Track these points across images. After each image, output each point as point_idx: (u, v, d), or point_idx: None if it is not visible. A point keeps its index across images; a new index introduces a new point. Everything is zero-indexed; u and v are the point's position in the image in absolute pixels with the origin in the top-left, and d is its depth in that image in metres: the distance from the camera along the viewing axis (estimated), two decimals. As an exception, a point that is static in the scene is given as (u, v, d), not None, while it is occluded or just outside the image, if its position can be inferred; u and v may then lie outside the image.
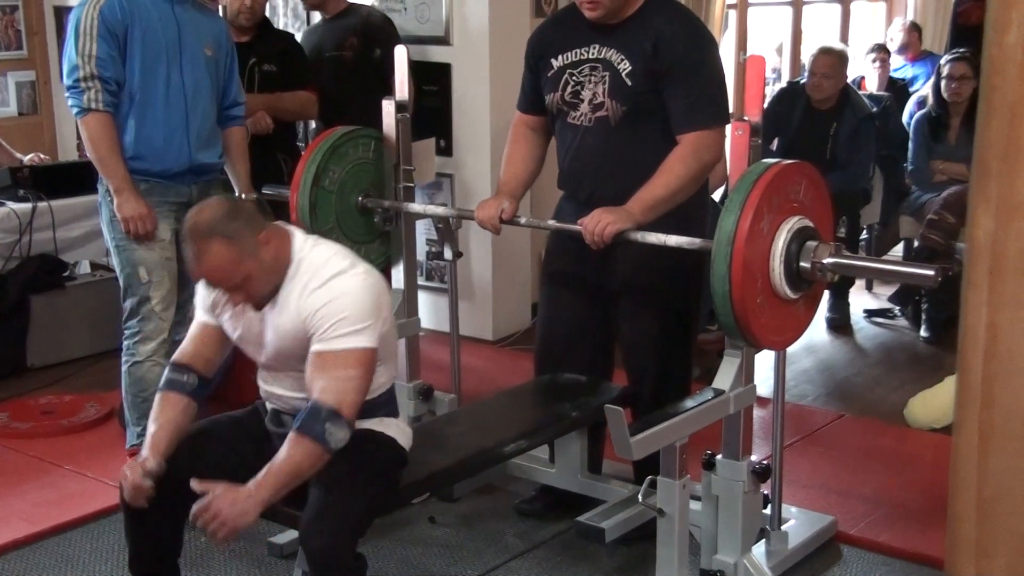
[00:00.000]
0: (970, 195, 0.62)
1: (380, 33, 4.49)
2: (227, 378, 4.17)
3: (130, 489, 2.46)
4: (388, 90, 3.57)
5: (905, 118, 5.87)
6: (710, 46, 3.07)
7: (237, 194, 3.72)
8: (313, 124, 5.09)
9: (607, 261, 3.06)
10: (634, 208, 2.89)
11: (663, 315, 3.13)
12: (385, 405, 2.65)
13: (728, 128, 2.93)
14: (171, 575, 2.68)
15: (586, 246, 2.92)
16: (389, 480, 2.57)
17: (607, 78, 3.00)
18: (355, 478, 2.43)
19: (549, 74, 3.13)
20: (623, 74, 2.98)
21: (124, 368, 3.55)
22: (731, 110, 3.29)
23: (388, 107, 3.49)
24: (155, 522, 2.54)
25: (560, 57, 3.09)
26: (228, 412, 2.80)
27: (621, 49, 2.99)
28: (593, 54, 3.04)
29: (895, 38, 7.14)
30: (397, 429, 2.64)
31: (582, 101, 3.06)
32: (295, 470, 2.38)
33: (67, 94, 3.37)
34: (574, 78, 3.07)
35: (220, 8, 4.18)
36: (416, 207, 3.48)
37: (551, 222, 3.26)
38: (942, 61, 5.63)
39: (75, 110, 3.37)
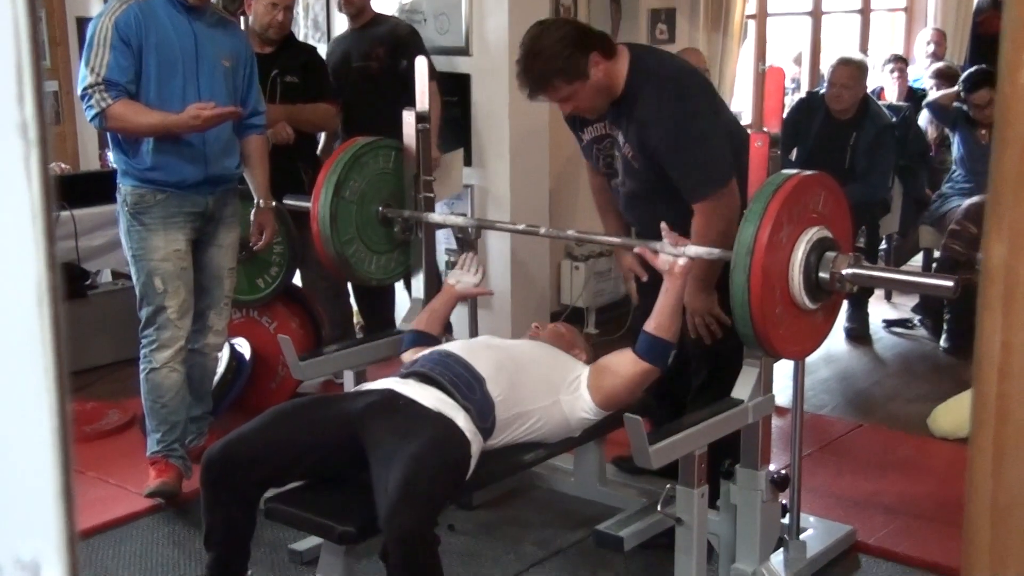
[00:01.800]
0: (984, 222, 0.64)
1: (407, 44, 4.52)
2: (247, 387, 4.22)
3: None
4: (413, 101, 3.60)
5: (922, 122, 5.85)
6: (692, 111, 2.96)
7: (256, 202, 3.75)
8: (324, 136, 5.13)
9: None
10: (697, 285, 2.95)
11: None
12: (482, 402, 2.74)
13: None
14: (241, 556, 2.74)
15: None
16: (458, 474, 2.63)
17: (620, 157, 3.07)
18: (435, 465, 2.50)
19: (583, 144, 3.20)
20: (628, 156, 3.03)
21: (142, 375, 3.57)
22: (751, 120, 3.29)
23: (408, 118, 3.51)
24: (228, 503, 2.62)
25: (587, 131, 3.15)
26: (301, 398, 2.89)
27: (621, 131, 3.03)
28: (606, 130, 3.09)
29: (927, 46, 7.07)
30: (473, 434, 2.70)
31: (616, 171, 3.13)
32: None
33: (84, 107, 3.39)
34: (603, 152, 3.14)
35: (242, 20, 4.22)
36: (436, 217, 3.50)
37: (570, 232, 3.28)
38: (963, 82, 5.59)
39: (92, 119, 3.37)
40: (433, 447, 2.54)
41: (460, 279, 3.33)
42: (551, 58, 2.85)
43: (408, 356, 3.12)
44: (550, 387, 2.87)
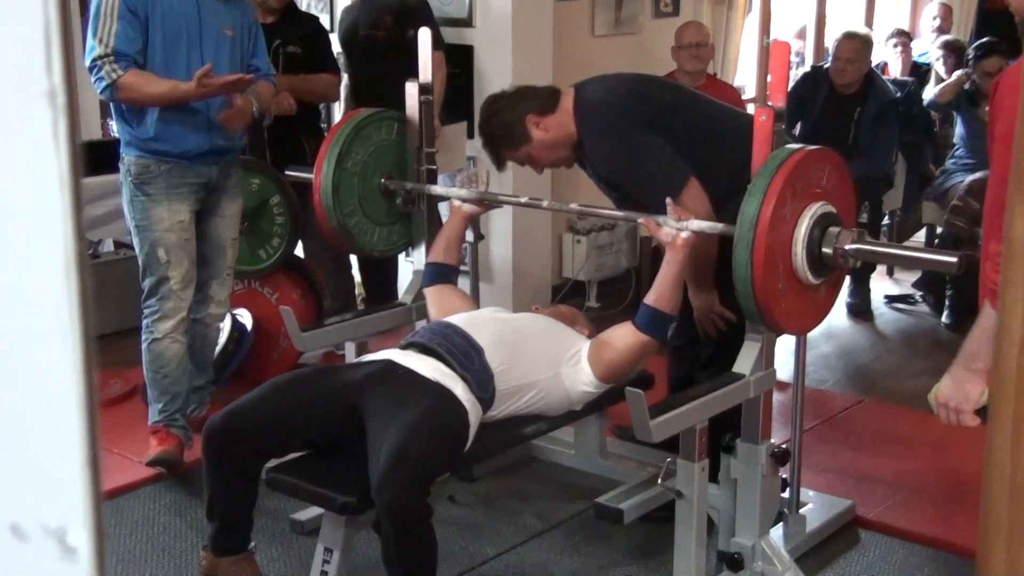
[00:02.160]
0: (1008, 195, 0.64)
1: (414, 14, 4.49)
2: (248, 358, 4.22)
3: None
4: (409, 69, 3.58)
5: (927, 98, 5.83)
6: (616, 139, 3.01)
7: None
8: (337, 106, 5.11)
9: None
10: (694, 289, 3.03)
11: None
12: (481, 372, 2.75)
13: (751, 109, 2.93)
14: (244, 525, 2.76)
15: None
16: (456, 444, 2.64)
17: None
18: (430, 434, 2.51)
19: None
20: (600, 185, 3.17)
21: (144, 345, 3.57)
22: (755, 94, 3.27)
23: (411, 89, 3.50)
24: (229, 472, 2.64)
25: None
26: (301, 369, 3.01)
27: (587, 169, 3.19)
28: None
29: (933, 20, 7.02)
30: (472, 404, 2.70)
31: None
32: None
33: (92, 80, 3.37)
34: None
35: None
36: (438, 189, 3.49)
37: (573, 205, 3.28)
38: (971, 53, 5.57)
39: (102, 91, 3.36)
40: (427, 416, 2.54)
41: (460, 198, 3.31)
42: (493, 132, 3.13)
43: (430, 291, 3.19)
44: (551, 360, 2.88)
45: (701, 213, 2.85)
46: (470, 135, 4.97)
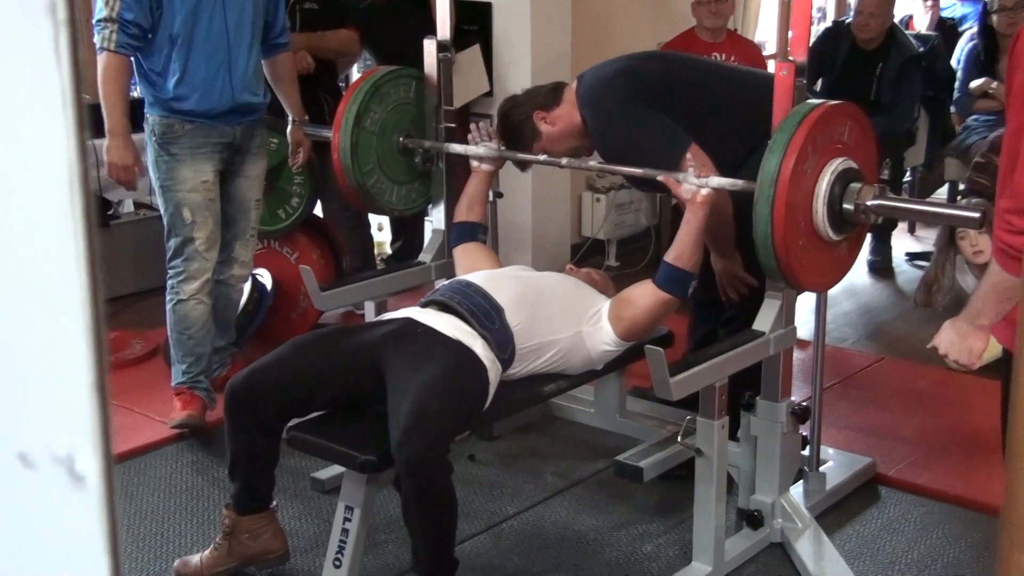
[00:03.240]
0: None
1: None
2: (268, 318, 4.24)
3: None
4: (430, 26, 3.55)
5: (956, 59, 5.77)
6: (621, 114, 3.04)
7: (289, 119, 3.72)
8: (356, 66, 5.09)
9: None
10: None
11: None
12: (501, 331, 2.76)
13: (772, 65, 2.91)
14: (267, 484, 2.77)
15: None
16: (475, 401, 2.65)
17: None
18: (450, 392, 2.52)
19: None
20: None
21: (168, 307, 3.58)
22: (776, 50, 3.23)
23: (429, 47, 3.48)
24: (251, 432, 2.65)
25: None
26: (322, 328, 3.03)
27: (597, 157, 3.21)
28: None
29: None
30: (491, 362, 2.70)
31: None
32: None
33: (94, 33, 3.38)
34: None
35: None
36: (457, 148, 3.47)
37: (592, 163, 3.25)
38: None
39: (97, 47, 3.38)
40: (447, 374, 2.55)
41: (480, 157, 3.31)
42: (509, 133, 3.24)
43: (457, 250, 3.22)
44: (572, 318, 2.87)
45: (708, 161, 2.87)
46: (488, 92, 4.94)
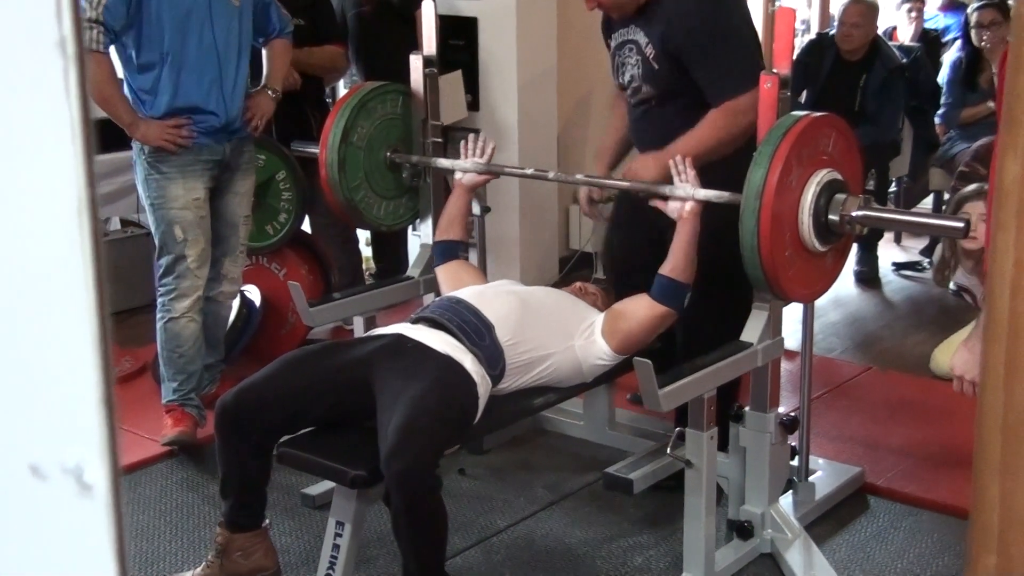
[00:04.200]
0: (998, 142, 0.64)
1: None
2: (257, 334, 4.23)
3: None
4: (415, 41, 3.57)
5: (945, 73, 5.80)
6: (727, 9, 3.01)
7: (260, 86, 3.69)
8: (342, 81, 5.10)
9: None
10: (664, 157, 2.90)
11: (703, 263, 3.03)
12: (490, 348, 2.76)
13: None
14: (258, 501, 2.77)
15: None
16: (464, 416, 2.65)
17: (640, 62, 3.03)
18: (438, 407, 2.52)
19: (610, 55, 3.20)
20: (650, 58, 3.00)
21: (159, 325, 3.58)
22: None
23: (416, 62, 3.49)
24: (241, 450, 2.66)
25: (613, 37, 3.15)
26: (311, 345, 3.01)
27: (646, 31, 3.00)
28: (631, 35, 3.06)
29: None
30: (481, 377, 2.70)
31: (629, 82, 3.10)
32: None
33: None
34: (620, 59, 3.12)
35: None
36: (444, 162, 3.48)
37: (579, 176, 3.27)
38: (969, 9, 5.58)
39: None
40: (436, 389, 2.55)
41: (465, 170, 3.30)
42: None
43: (439, 270, 3.19)
44: (563, 332, 2.88)
45: (754, 119, 2.79)
46: (474, 107, 4.96)
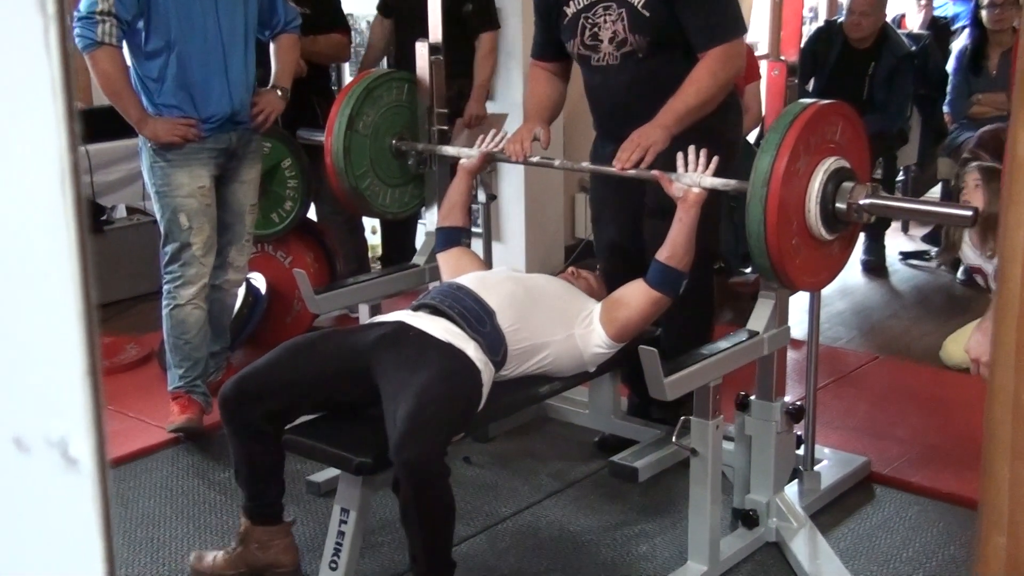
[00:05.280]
0: (1012, 113, 0.63)
1: None
2: (262, 322, 4.24)
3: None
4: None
5: (952, 62, 5.78)
6: None
7: (270, 85, 3.68)
8: (347, 67, 5.09)
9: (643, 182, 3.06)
10: (667, 120, 2.92)
11: None
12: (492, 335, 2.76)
13: (764, 65, 2.92)
14: (272, 491, 2.77)
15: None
16: (470, 403, 2.65)
17: (624, 14, 3.02)
18: (444, 396, 2.52)
19: (565, 22, 3.14)
20: (638, 6, 3.00)
21: (165, 312, 3.58)
22: (768, 50, 3.26)
23: (421, 49, 3.48)
24: (246, 437, 2.66)
25: (572, 3, 3.12)
26: (313, 332, 2.99)
27: None
28: None
29: None
30: (484, 364, 2.71)
31: (601, 42, 3.08)
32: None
33: (77, 26, 3.25)
34: (589, 21, 3.09)
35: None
36: (450, 150, 3.48)
37: (584, 164, 3.26)
38: None
39: (85, 42, 3.26)
40: (441, 378, 2.55)
41: (467, 154, 3.31)
42: None
43: (440, 256, 3.18)
44: (564, 321, 2.88)
45: (742, 66, 2.95)
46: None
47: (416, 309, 2.86)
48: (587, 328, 2.88)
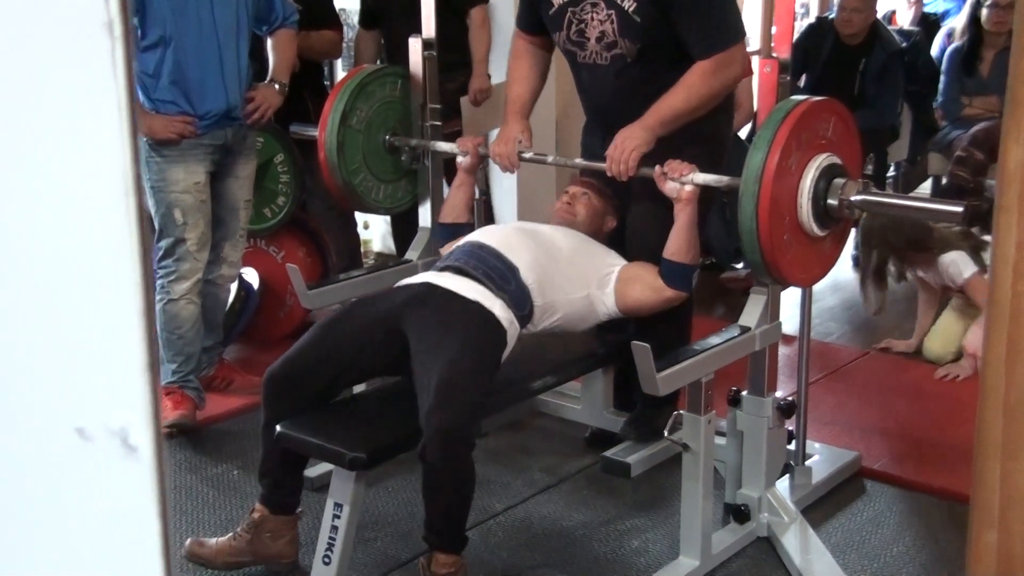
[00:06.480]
0: (1003, 125, 0.64)
1: None
2: (255, 317, 4.24)
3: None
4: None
5: (935, 51, 5.79)
6: None
7: (268, 80, 3.69)
8: (340, 63, 5.09)
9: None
10: (651, 122, 2.92)
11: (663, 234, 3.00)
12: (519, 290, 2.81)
13: (756, 61, 2.93)
14: (296, 482, 2.80)
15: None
16: (496, 365, 2.70)
17: (613, 16, 2.98)
18: (473, 365, 2.57)
19: (551, 12, 3.10)
20: (629, 11, 2.95)
21: (158, 307, 3.57)
22: (759, 47, 3.27)
23: (414, 45, 3.48)
24: (289, 418, 2.67)
25: None
26: (343, 306, 3.01)
27: None
28: None
29: None
30: (510, 323, 2.76)
31: (588, 40, 3.05)
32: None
33: None
34: (576, 17, 3.05)
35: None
36: (443, 146, 3.48)
37: (578, 160, 3.27)
38: None
39: None
40: (472, 342, 2.61)
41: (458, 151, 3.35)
42: None
43: (446, 250, 3.19)
44: (583, 280, 2.94)
45: (740, 73, 2.97)
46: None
47: (442, 270, 2.89)
48: (603, 290, 2.95)
